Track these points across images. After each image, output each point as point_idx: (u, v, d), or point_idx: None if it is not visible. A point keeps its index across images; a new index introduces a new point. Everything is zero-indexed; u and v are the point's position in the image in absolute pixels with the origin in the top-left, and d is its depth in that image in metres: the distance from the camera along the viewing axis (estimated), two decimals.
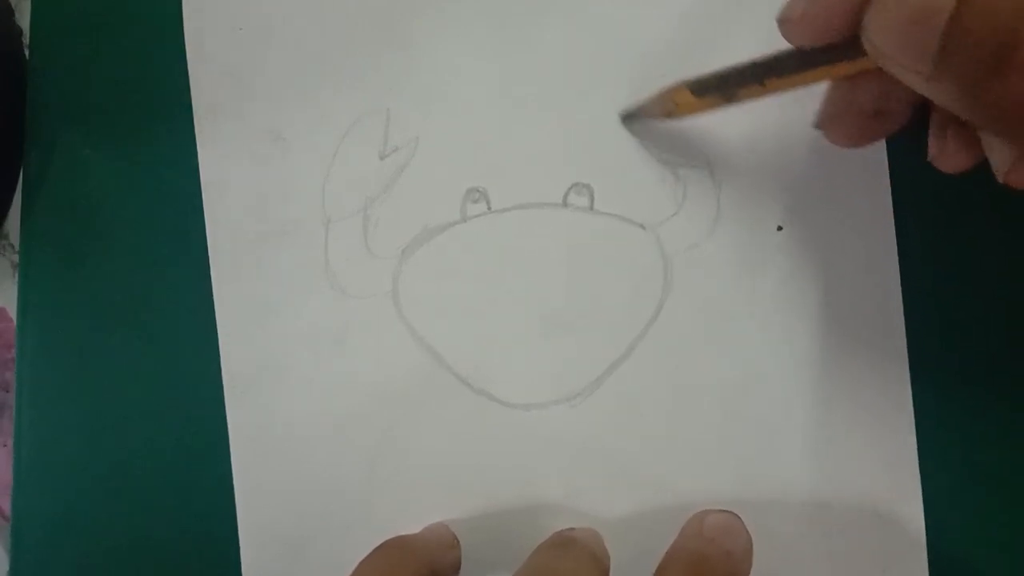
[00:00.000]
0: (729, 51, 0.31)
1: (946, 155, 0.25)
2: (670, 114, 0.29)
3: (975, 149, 0.25)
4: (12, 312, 0.36)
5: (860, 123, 0.25)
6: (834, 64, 0.23)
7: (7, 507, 0.34)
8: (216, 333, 0.33)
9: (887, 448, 0.29)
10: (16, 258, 0.36)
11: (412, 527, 0.30)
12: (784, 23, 0.23)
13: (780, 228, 0.30)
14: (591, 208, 0.31)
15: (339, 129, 0.33)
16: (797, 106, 0.30)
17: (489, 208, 0.32)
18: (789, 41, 0.23)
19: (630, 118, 0.31)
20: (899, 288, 0.29)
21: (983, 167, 0.24)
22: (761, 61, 0.25)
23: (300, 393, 0.32)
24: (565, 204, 0.31)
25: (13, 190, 0.36)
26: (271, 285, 0.33)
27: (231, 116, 0.34)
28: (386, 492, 0.31)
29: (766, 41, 0.31)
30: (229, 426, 0.32)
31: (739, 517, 0.27)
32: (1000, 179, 0.23)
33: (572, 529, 0.29)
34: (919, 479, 0.29)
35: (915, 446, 0.29)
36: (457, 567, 0.30)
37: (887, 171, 0.30)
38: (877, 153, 0.30)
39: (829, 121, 0.26)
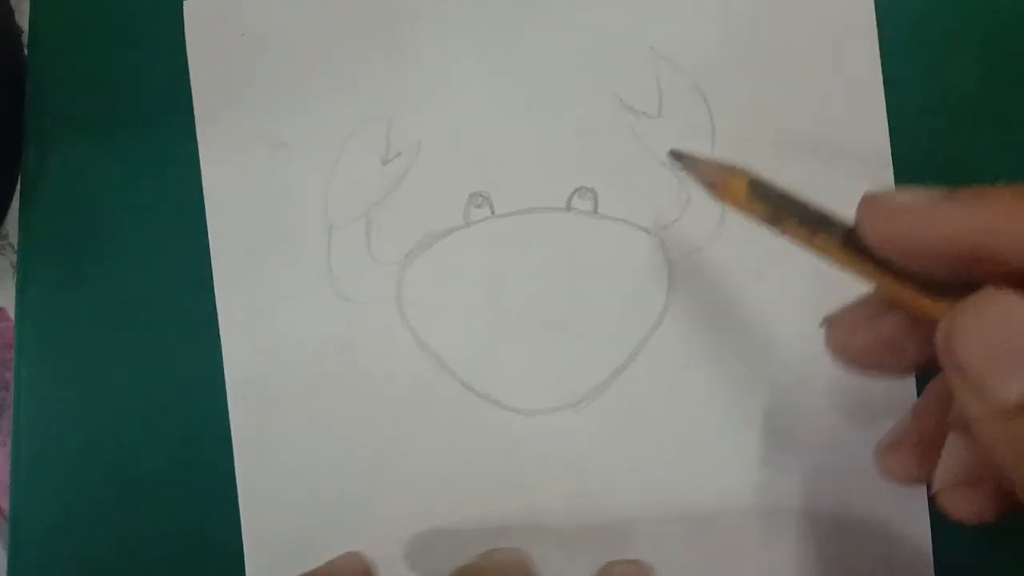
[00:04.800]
0: (731, 49, 0.31)
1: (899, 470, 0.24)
2: (712, 187, 0.25)
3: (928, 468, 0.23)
4: (12, 312, 0.36)
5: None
6: (903, 282, 0.20)
7: (5, 506, 0.34)
8: (216, 333, 0.33)
9: None
10: (16, 258, 0.36)
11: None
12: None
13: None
14: (595, 212, 0.31)
15: (341, 134, 0.33)
16: (801, 112, 0.30)
17: (492, 213, 0.32)
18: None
19: (675, 159, 0.27)
20: None
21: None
22: (833, 218, 0.21)
23: (304, 398, 0.32)
24: (569, 208, 0.31)
25: (13, 190, 0.36)
26: (274, 291, 0.33)
27: (233, 122, 0.34)
28: (389, 498, 0.31)
29: (768, 40, 0.31)
30: (232, 431, 0.32)
31: (647, 565, 0.26)
32: None
33: (494, 550, 0.28)
34: (925, 486, 0.29)
35: None
36: None
37: (892, 176, 0.30)
38: (882, 159, 0.30)
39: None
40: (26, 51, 0.36)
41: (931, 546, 0.29)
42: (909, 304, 0.20)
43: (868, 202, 0.20)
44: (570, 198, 0.31)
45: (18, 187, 0.36)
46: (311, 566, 0.31)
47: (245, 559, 0.32)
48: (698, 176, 0.25)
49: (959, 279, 0.19)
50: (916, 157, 0.30)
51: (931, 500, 0.29)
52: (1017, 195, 0.18)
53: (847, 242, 0.21)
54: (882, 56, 0.30)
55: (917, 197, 0.19)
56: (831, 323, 0.23)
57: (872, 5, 0.31)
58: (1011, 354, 0.17)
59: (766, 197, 0.23)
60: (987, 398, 0.17)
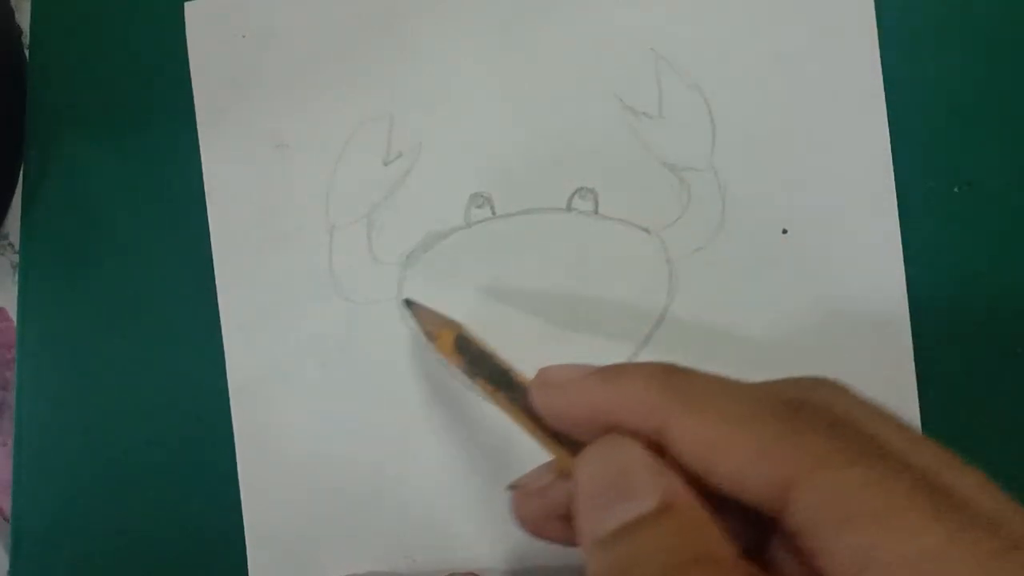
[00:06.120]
0: (731, 49, 0.31)
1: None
2: (429, 335, 0.27)
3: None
4: (12, 312, 0.36)
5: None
6: (549, 440, 0.22)
7: (7, 506, 0.34)
8: (218, 333, 0.33)
9: None
10: (16, 258, 0.36)
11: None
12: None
13: (785, 232, 0.30)
14: (595, 212, 0.31)
15: (342, 135, 0.33)
16: (801, 112, 0.30)
17: (493, 213, 0.32)
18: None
19: (406, 306, 0.29)
20: (905, 293, 0.29)
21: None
22: (518, 383, 0.23)
23: (305, 399, 0.32)
24: (569, 209, 0.31)
25: (13, 190, 0.36)
26: (276, 291, 0.33)
27: (234, 123, 0.34)
28: (392, 498, 0.31)
29: (768, 40, 0.31)
30: (235, 431, 0.32)
31: None
32: None
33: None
34: None
35: None
36: None
37: (892, 175, 0.30)
38: (882, 157, 0.30)
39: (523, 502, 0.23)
40: (26, 51, 0.36)
41: None
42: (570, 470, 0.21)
43: (537, 376, 0.22)
44: (571, 198, 0.31)
45: (19, 187, 0.36)
46: (313, 566, 0.32)
47: (248, 559, 0.32)
48: (419, 324, 0.28)
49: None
50: (916, 157, 0.30)
51: None
52: (638, 376, 0.20)
53: (525, 405, 0.22)
54: (882, 56, 0.30)
55: (571, 374, 0.21)
56: (513, 489, 0.23)
57: (872, 5, 0.31)
58: (610, 492, 0.19)
59: (467, 351, 0.25)
60: (583, 529, 0.19)
